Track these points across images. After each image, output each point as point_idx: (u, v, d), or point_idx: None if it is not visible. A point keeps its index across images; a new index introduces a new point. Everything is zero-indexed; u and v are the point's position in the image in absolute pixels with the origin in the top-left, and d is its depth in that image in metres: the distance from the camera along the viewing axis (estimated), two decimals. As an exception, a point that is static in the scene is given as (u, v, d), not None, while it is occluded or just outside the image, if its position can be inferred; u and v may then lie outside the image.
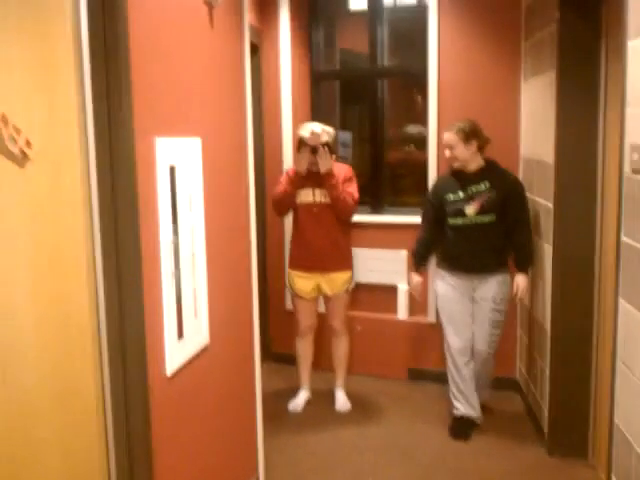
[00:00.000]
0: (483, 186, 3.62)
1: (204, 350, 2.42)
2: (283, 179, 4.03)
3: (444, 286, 3.83)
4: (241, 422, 2.93)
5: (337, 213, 3.94)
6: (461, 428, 3.83)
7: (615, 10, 2.83)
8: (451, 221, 3.70)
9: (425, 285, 3.96)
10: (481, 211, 3.60)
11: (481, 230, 3.63)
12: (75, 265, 1.75)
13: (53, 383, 1.68)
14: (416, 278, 3.96)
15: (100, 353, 1.84)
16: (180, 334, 2.19)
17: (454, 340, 3.84)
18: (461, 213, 3.65)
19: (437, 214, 3.77)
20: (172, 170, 2.11)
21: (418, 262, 3.96)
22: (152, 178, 2.00)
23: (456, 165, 3.70)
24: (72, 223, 1.73)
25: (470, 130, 3.63)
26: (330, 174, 3.86)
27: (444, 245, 3.81)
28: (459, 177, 3.71)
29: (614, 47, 2.95)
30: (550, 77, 3.41)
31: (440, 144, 4.37)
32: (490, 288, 3.68)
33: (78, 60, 1.72)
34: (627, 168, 2.23)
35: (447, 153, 3.69)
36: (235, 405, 2.83)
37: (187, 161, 2.24)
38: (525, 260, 3.68)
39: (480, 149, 3.67)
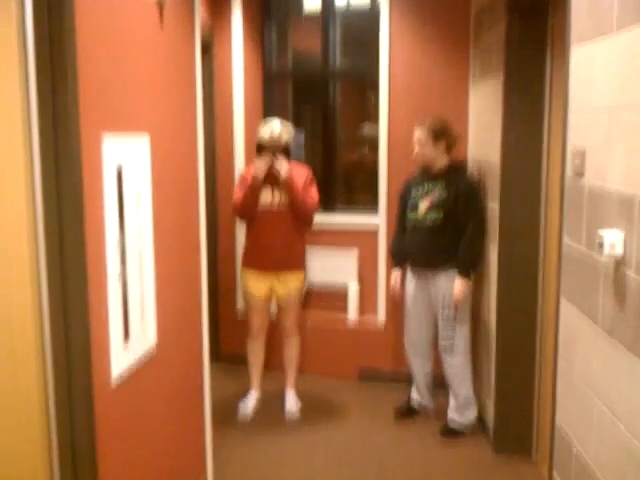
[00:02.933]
0: (438, 185, 3.72)
1: (151, 352, 2.39)
2: (241, 184, 4.00)
3: (407, 280, 3.95)
4: (189, 425, 2.91)
5: (298, 217, 3.94)
6: (404, 410, 4.11)
7: (560, 17, 2.90)
8: (407, 215, 3.85)
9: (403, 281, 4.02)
10: (430, 209, 3.70)
11: (431, 227, 3.71)
12: (18, 266, 1.72)
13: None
14: (394, 273, 4.04)
15: (44, 356, 1.80)
16: (126, 336, 2.16)
17: (406, 335, 4.03)
18: (415, 208, 3.78)
19: (405, 207, 3.90)
20: (119, 167, 2.08)
21: (394, 259, 4.06)
22: (98, 175, 1.97)
23: (420, 162, 3.80)
24: (15, 223, 1.70)
25: (441, 129, 3.72)
26: (290, 180, 3.85)
27: (405, 240, 3.92)
28: (424, 174, 3.83)
29: (559, 53, 3.02)
30: (497, 80, 3.47)
31: (391, 144, 4.42)
32: (440, 285, 3.74)
33: (22, 55, 1.69)
34: (569, 171, 2.29)
35: (416, 148, 3.76)
36: (183, 408, 2.81)
37: (135, 158, 2.21)
38: (463, 264, 3.69)
39: (448, 149, 3.76)
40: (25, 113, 1.70)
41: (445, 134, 3.73)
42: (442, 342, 3.82)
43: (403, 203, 3.94)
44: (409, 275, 3.94)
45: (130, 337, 2.19)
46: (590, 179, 2.10)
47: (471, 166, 4.17)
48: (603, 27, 1.97)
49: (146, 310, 2.33)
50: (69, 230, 1.79)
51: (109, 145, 2.00)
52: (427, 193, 3.75)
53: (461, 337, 3.78)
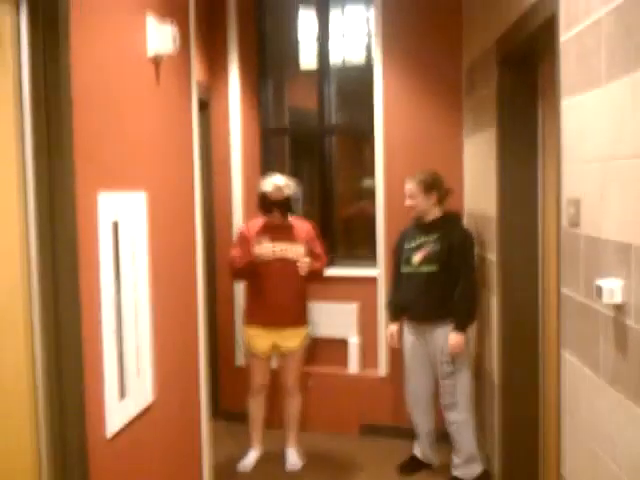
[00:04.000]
0: (432, 237, 3.72)
1: (148, 409, 2.35)
2: (238, 242, 4.00)
3: (405, 334, 3.89)
4: (188, 484, 2.84)
5: (311, 280, 4.00)
6: (408, 465, 4.01)
7: (550, 70, 2.95)
8: (401, 268, 3.83)
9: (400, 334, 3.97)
10: (424, 261, 3.70)
11: (425, 279, 3.70)
12: (12, 323, 1.70)
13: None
14: (391, 327, 3.98)
15: (37, 415, 1.77)
16: (122, 393, 2.13)
17: (407, 389, 3.95)
18: (409, 261, 3.77)
19: (400, 262, 3.87)
20: (115, 225, 2.08)
21: (390, 312, 4.02)
22: (94, 233, 1.98)
23: (414, 214, 3.81)
24: (10, 279, 1.69)
25: (432, 181, 3.75)
26: (312, 271, 3.88)
27: (400, 293, 3.88)
28: (418, 226, 3.84)
29: (550, 105, 3.07)
30: (491, 134, 3.51)
31: (388, 197, 4.45)
32: (438, 339, 3.70)
33: (19, 114, 1.71)
34: (564, 222, 2.29)
35: (408, 202, 3.77)
36: (181, 467, 2.75)
37: (131, 216, 2.22)
38: (460, 317, 3.66)
39: (440, 200, 3.79)
40: (21, 172, 1.71)
41: (436, 186, 3.76)
42: (444, 399, 3.74)
43: (398, 256, 3.93)
44: (407, 329, 3.89)
45: (126, 395, 2.16)
46: (586, 229, 2.10)
47: (466, 218, 4.18)
48: (592, 79, 2.00)
49: (143, 367, 2.30)
50: (64, 287, 1.79)
51: (105, 203, 2.01)
52: (421, 245, 3.75)
53: (463, 393, 3.72)
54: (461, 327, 3.65)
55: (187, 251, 2.85)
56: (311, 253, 3.95)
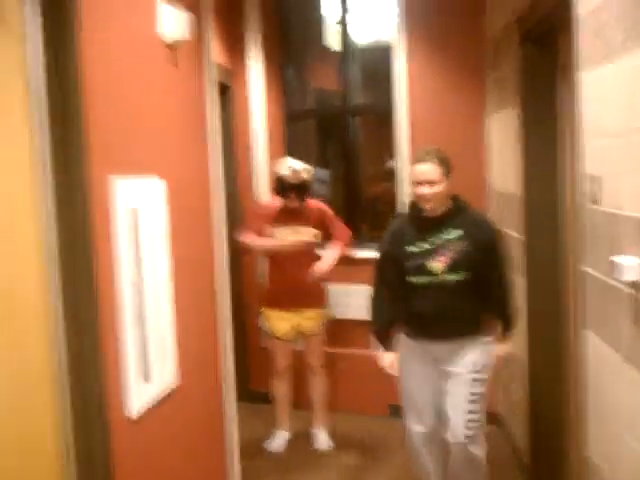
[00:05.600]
0: (453, 235, 2.82)
1: (173, 392, 2.39)
2: (253, 218, 4.08)
3: (406, 358, 3.03)
4: (215, 467, 2.88)
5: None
6: None
7: (570, 46, 2.90)
8: (414, 280, 2.86)
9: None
10: (451, 267, 2.79)
11: (454, 290, 2.82)
12: (31, 312, 1.74)
13: (10, 431, 1.65)
14: (387, 357, 3.04)
15: (60, 400, 1.81)
16: (146, 377, 2.17)
17: (415, 428, 3.07)
18: (425, 270, 2.82)
19: (397, 270, 2.91)
20: (133, 211, 2.11)
21: (384, 338, 3.04)
22: (111, 220, 2.00)
23: (428, 207, 2.81)
24: (27, 269, 1.72)
25: (449, 161, 2.82)
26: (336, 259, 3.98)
27: (406, 308, 2.96)
28: (420, 222, 2.89)
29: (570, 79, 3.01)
30: (514, 111, 3.46)
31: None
32: (469, 355, 2.89)
33: (29, 107, 1.72)
34: (586, 198, 2.26)
35: (426, 191, 2.77)
36: (208, 449, 2.79)
37: (149, 202, 2.24)
38: (508, 327, 2.97)
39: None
40: (35, 162, 1.73)
41: (450, 165, 2.84)
42: (467, 431, 2.86)
43: (390, 263, 2.95)
44: (412, 349, 3.01)
45: (150, 378, 2.19)
46: (606, 205, 2.07)
47: (491, 196, 4.13)
48: (608, 52, 1.96)
49: (166, 350, 2.34)
50: (81, 273, 1.82)
51: (122, 190, 2.04)
52: (439, 247, 2.81)
53: (483, 416, 2.95)
54: (509, 337, 3.00)
55: (207, 235, 2.87)
56: (327, 236, 4.01)
